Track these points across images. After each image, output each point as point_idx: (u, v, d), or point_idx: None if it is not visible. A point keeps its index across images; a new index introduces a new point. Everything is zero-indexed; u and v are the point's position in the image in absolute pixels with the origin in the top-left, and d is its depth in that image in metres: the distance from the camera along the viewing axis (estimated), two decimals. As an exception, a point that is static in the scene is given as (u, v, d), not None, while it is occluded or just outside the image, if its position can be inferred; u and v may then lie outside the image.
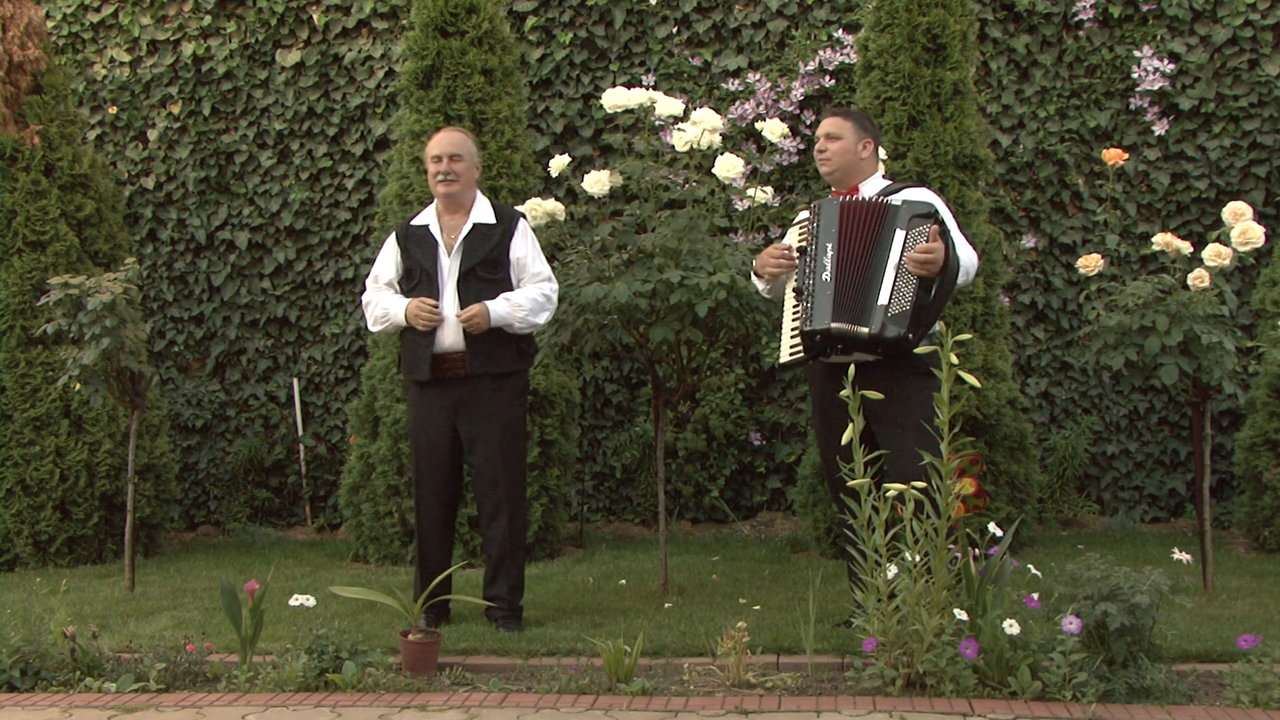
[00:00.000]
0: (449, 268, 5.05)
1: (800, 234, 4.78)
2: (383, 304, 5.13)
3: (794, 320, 4.69)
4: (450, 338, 5.00)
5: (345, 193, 8.10)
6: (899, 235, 4.50)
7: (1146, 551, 6.29)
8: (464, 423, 5.08)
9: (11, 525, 6.86)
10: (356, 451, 6.88)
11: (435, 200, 5.19)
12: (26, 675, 4.40)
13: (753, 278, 5.03)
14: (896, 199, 4.62)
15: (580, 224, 6.46)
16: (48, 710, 4.13)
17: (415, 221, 5.22)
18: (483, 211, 5.14)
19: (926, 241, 4.47)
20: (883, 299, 4.48)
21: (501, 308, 4.99)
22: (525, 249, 5.14)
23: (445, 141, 5.11)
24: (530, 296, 5.05)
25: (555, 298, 5.17)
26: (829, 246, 4.57)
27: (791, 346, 4.70)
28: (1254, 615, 4.98)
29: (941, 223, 4.53)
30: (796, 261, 4.72)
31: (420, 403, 5.14)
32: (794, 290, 4.72)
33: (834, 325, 4.51)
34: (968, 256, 4.68)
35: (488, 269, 5.04)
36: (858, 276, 4.54)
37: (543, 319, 5.12)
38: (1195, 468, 5.64)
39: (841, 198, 4.70)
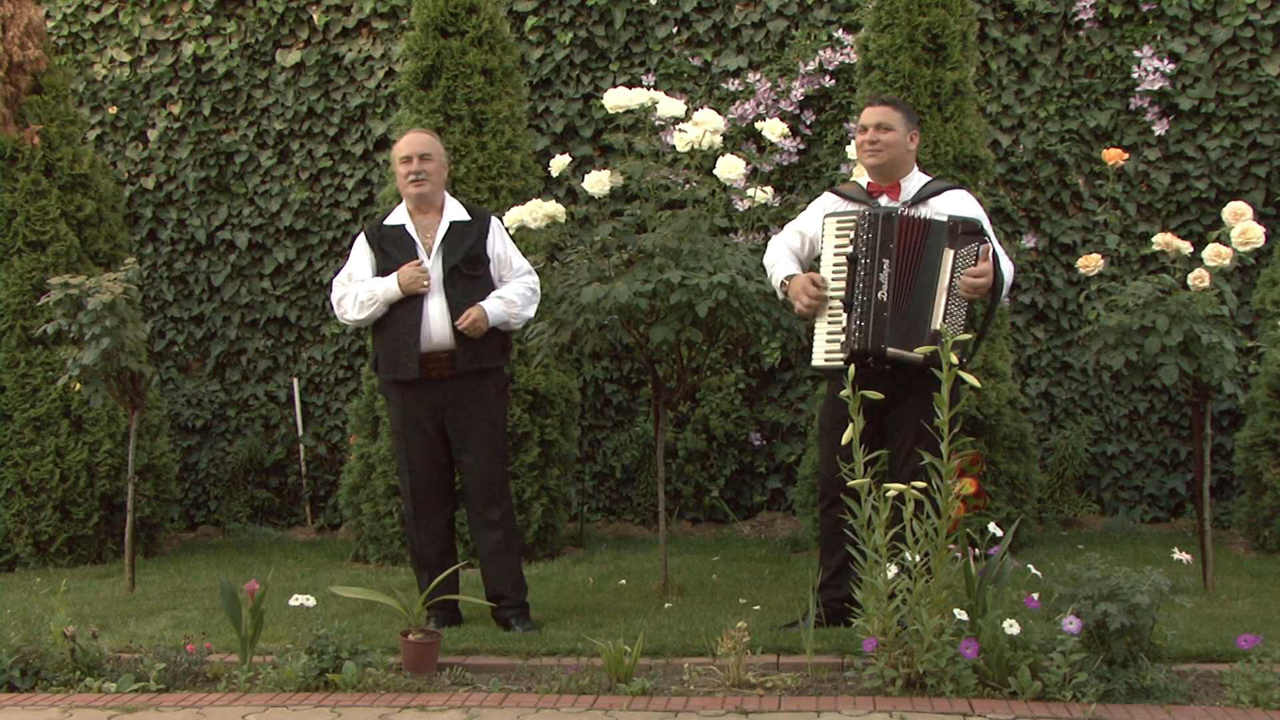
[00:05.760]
0: (431, 268, 4.98)
1: (839, 235, 4.65)
2: (365, 286, 4.97)
3: (834, 327, 4.61)
4: (438, 335, 4.93)
5: (345, 193, 8.10)
6: (949, 255, 4.49)
7: (1146, 551, 6.29)
8: (452, 421, 5.02)
9: (11, 525, 6.86)
10: (356, 451, 6.88)
11: (405, 201, 5.12)
12: (26, 675, 4.40)
13: (783, 296, 4.86)
14: (942, 214, 4.57)
15: (580, 224, 6.45)
16: (48, 710, 4.13)
17: (388, 222, 5.12)
18: (455, 210, 5.11)
19: (977, 263, 4.47)
20: (936, 323, 4.47)
21: (497, 307, 4.99)
22: (505, 246, 5.16)
23: (414, 142, 5.06)
24: (519, 292, 5.09)
25: (538, 289, 5.21)
26: (886, 263, 4.52)
27: (829, 352, 4.65)
28: (1254, 615, 4.97)
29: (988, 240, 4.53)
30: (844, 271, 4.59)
31: (406, 404, 5.04)
32: (842, 302, 4.59)
33: (890, 350, 4.50)
34: (1008, 269, 4.68)
35: (470, 266, 5.01)
36: (910, 297, 4.52)
37: (531, 312, 5.17)
38: (1195, 468, 5.64)
39: (897, 209, 4.61)
